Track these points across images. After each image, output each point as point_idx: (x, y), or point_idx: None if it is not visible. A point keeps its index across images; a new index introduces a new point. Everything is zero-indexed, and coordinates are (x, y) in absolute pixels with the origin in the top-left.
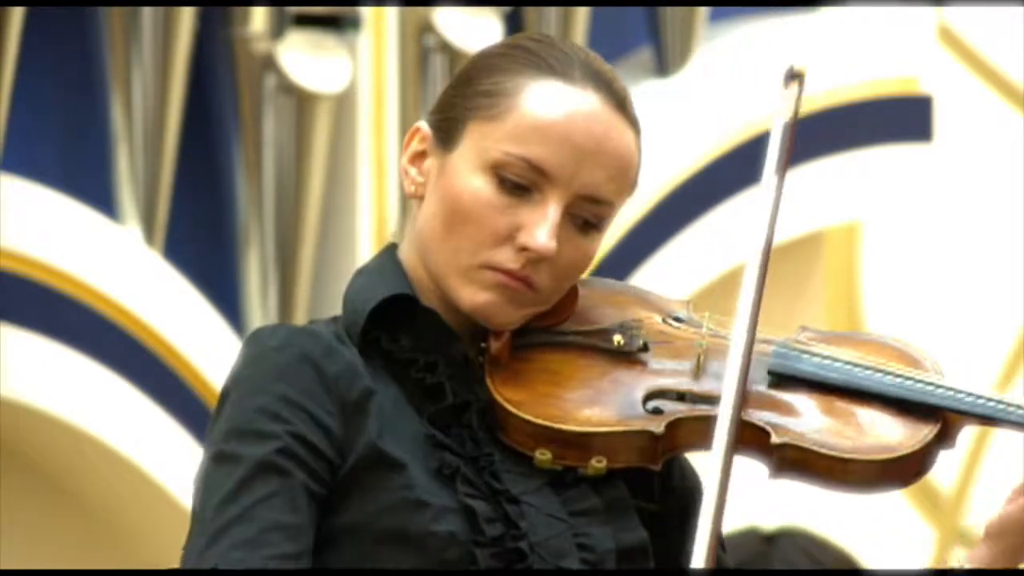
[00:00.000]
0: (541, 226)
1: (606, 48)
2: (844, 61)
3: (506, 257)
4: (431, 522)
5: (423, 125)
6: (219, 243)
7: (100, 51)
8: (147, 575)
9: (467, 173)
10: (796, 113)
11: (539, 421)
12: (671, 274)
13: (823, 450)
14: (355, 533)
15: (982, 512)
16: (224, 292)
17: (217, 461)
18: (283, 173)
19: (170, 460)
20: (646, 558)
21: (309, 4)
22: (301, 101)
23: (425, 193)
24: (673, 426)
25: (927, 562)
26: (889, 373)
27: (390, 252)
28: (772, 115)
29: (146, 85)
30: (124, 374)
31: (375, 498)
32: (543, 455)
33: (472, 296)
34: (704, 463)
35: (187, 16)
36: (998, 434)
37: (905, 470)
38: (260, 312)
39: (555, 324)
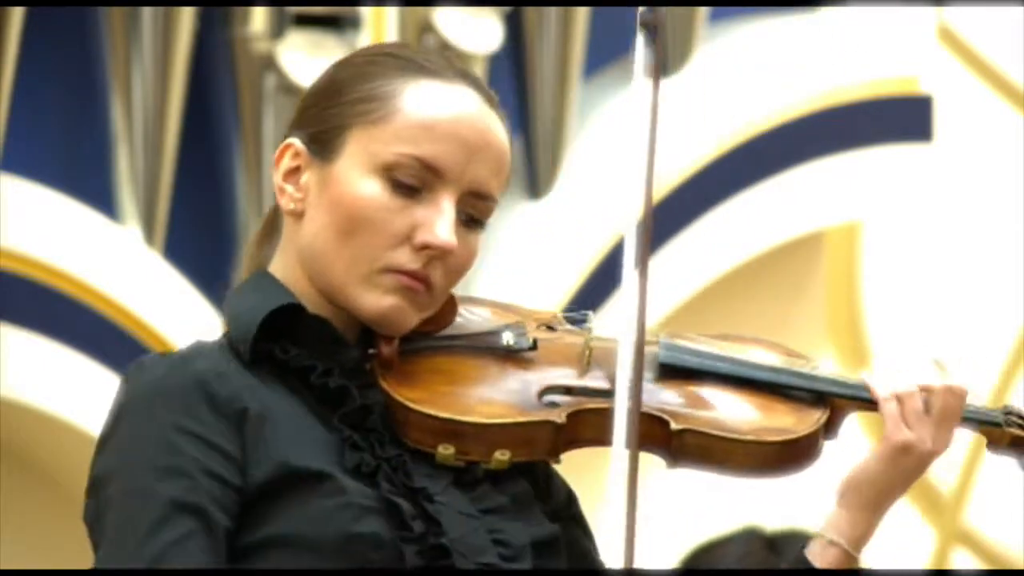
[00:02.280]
0: (439, 222)
1: (606, 48)
2: (844, 61)
3: (406, 258)
4: (353, 524)
5: (294, 141)
6: (219, 243)
7: (100, 51)
8: (145, 575)
9: (357, 179)
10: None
11: (442, 415)
12: (671, 274)
13: (722, 433)
14: (274, 548)
15: (982, 512)
16: (223, 292)
17: (128, 496)
18: None
19: None
20: (559, 550)
21: (309, 4)
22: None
23: (306, 208)
24: (574, 416)
25: (927, 562)
26: (771, 365)
27: (261, 273)
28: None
29: (146, 85)
30: (124, 374)
31: (290, 511)
32: (446, 450)
33: (377, 302)
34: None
35: (187, 16)
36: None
37: (799, 453)
38: None
39: (437, 330)
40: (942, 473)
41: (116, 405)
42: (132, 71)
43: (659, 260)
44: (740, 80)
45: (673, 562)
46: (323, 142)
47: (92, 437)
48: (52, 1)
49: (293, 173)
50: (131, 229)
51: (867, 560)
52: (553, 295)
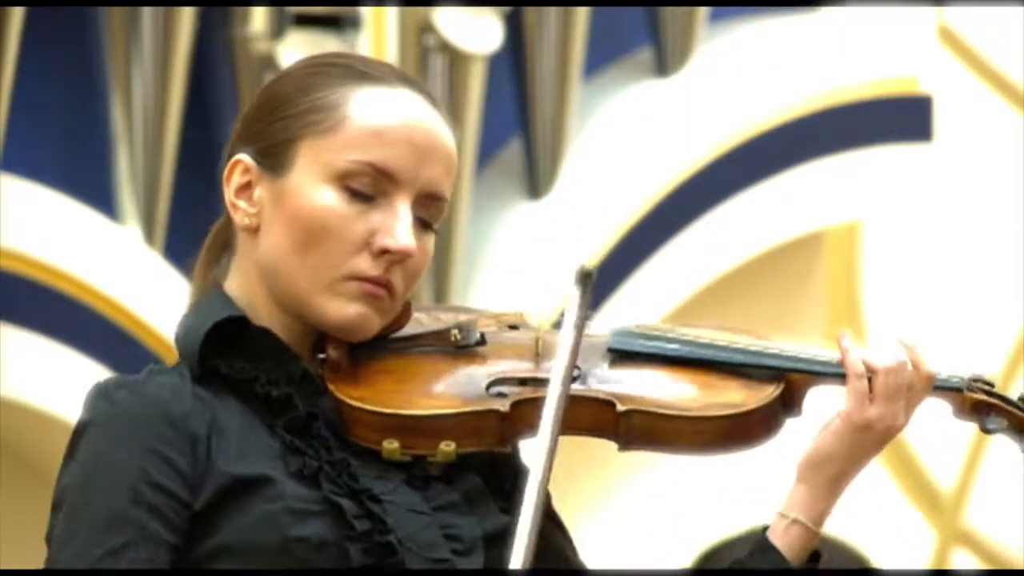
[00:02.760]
0: (398, 225)
1: (606, 48)
2: (844, 61)
3: (367, 264)
4: (291, 527)
5: (243, 157)
6: None
7: (100, 51)
8: (147, 574)
9: (311, 190)
10: (584, 312)
11: (383, 410)
12: (671, 274)
13: (669, 411)
14: (223, 557)
15: (982, 512)
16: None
17: (71, 512)
18: None
19: None
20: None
21: (309, 4)
22: None
23: (261, 223)
24: (519, 405)
25: (927, 562)
26: (726, 343)
27: (215, 291)
28: (564, 314)
29: (146, 85)
30: (124, 374)
31: (235, 520)
32: (390, 445)
33: (342, 310)
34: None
35: (187, 16)
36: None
37: (751, 428)
38: None
39: (390, 332)
40: (942, 473)
41: (78, 425)
42: (132, 71)
43: (660, 259)
44: (740, 80)
45: (683, 564)
46: (273, 156)
47: None
48: (52, 1)
49: (245, 189)
50: (131, 229)
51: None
52: (553, 295)
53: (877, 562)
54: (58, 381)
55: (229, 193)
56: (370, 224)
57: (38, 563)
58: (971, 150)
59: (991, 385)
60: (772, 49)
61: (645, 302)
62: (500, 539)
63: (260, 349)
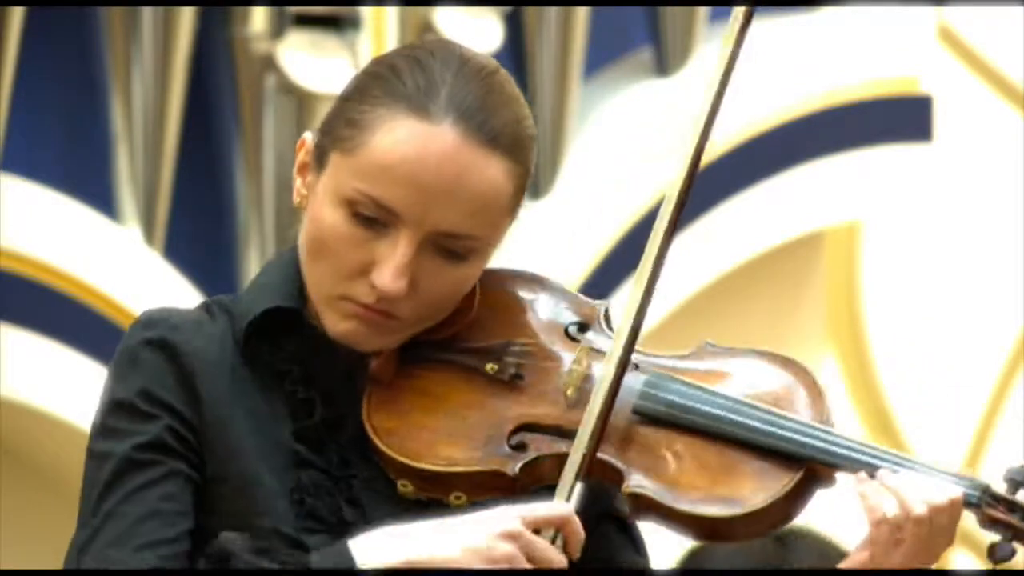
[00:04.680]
0: (388, 267)
1: (606, 48)
2: (844, 61)
3: (361, 291)
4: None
5: (309, 137)
6: (219, 243)
7: (100, 51)
8: (147, 574)
9: (327, 204)
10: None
11: (399, 458)
12: (671, 274)
13: (674, 505)
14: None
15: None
16: (224, 292)
17: (89, 459)
18: (283, 173)
19: None
20: None
21: (309, 4)
22: (301, 101)
23: (306, 206)
24: (530, 466)
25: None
26: (758, 414)
27: (289, 256)
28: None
29: (146, 85)
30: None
31: (222, 514)
32: (405, 487)
33: (334, 324)
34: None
35: (187, 16)
36: (998, 436)
37: (762, 521)
38: None
39: (449, 335)
40: None
41: (116, 355)
42: (132, 71)
43: None
44: (740, 80)
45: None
46: (318, 155)
47: None
48: (52, 1)
49: (304, 168)
50: (131, 229)
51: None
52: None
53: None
54: (58, 381)
55: (295, 166)
56: (372, 253)
57: (38, 563)
58: (971, 150)
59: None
60: (772, 49)
61: None
62: None
63: (308, 342)
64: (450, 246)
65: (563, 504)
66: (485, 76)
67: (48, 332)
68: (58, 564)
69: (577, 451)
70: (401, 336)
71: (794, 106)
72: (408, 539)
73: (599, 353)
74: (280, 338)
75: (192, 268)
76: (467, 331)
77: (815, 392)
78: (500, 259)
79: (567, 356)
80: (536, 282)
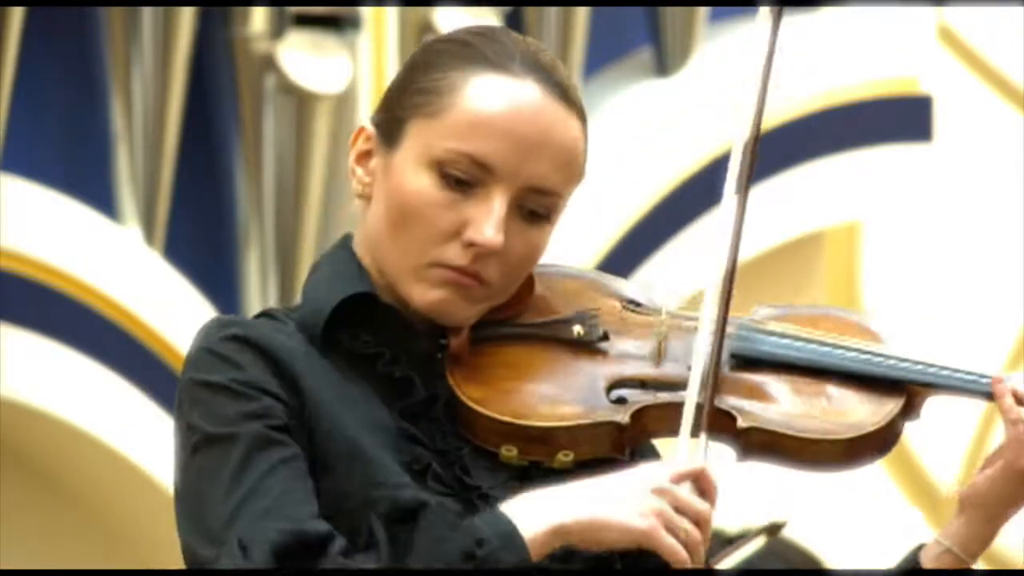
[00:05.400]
0: (487, 221)
1: (606, 48)
2: (844, 61)
3: (454, 254)
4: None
5: (367, 125)
6: (219, 243)
7: (100, 51)
8: (148, 575)
9: (411, 172)
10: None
11: (503, 418)
12: (671, 273)
13: (790, 432)
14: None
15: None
16: (224, 292)
17: (210, 444)
18: (283, 173)
19: (169, 459)
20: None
21: (309, 4)
22: (301, 101)
23: (372, 193)
24: (638, 415)
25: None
26: (850, 348)
27: (346, 244)
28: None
29: (146, 85)
30: (124, 374)
31: (339, 493)
32: (509, 451)
33: (424, 294)
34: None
35: (187, 16)
36: (999, 432)
37: (872, 446)
38: None
39: (512, 316)
40: (942, 473)
41: (192, 362)
42: (132, 71)
43: (660, 259)
44: (740, 80)
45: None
46: (389, 130)
47: (92, 437)
48: (52, 1)
49: (365, 157)
50: (131, 229)
51: (867, 560)
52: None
53: (866, 562)
54: (58, 381)
55: (350, 158)
56: (462, 214)
57: (38, 563)
58: (971, 150)
59: None
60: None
61: None
62: None
63: (385, 325)
64: (536, 204)
65: (699, 453)
66: (540, 46)
67: (48, 332)
68: (58, 564)
69: (691, 399)
70: (482, 307)
71: (794, 106)
72: (562, 500)
73: (677, 317)
74: (357, 325)
75: (192, 268)
76: (531, 311)
77: (881, 330)
78: None
79: (641, 319)
80: (578, 271)
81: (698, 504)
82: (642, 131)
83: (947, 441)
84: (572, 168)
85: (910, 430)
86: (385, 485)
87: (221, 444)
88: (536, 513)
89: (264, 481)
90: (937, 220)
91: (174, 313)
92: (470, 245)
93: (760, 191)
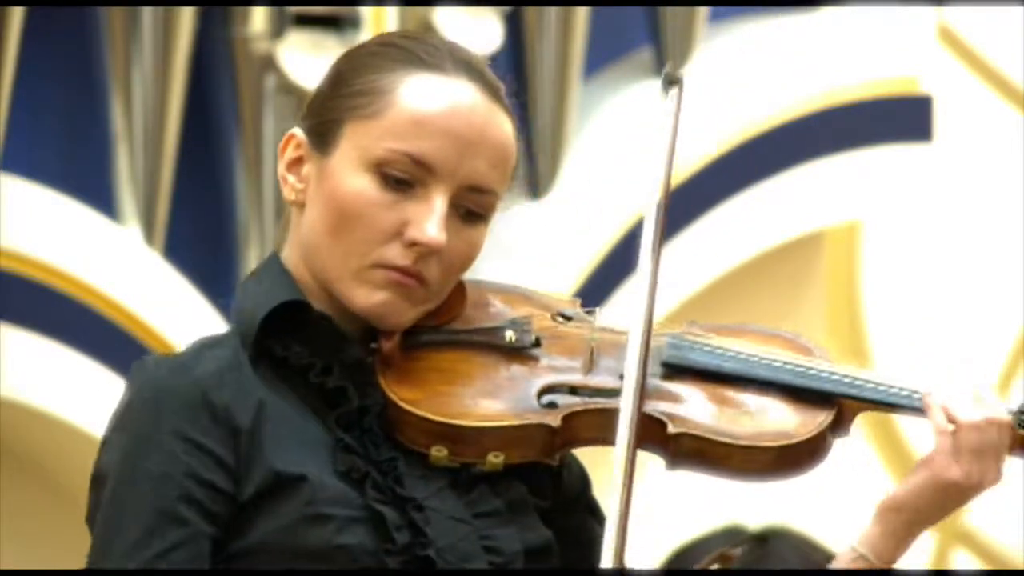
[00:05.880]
0: (429, 219)
1: (606, 48)
2: (844, 61)
3: (396, 254)
4: (336, 535)
5: (297, 131)
6: (219, 243)
7: (100, 51)
8: (148, 575)
9: (349, 173)
10: (676, 121)
11: (435, 418)
12: (672, 272)
13: (719, 438)
14: (262, 553)
15: (982, 512)
16: (224, 292)
17: (118, 503)
18: None
19: None
20: (551, 557)
21: (309, 4)
22: (301, 101)
23: (306, 199)
24: (570, 419)
25: (927, 562)
26: (782, 361)
27: (274, 260)
28: (655, 126)
29: (146, 85)
30: (124, 374)
31: (276, 519)
32: (439, 452)
33: (367, 297)
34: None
35: (187, 16)
36: None
37: (801, 457)
38: None
39: (444, 323)
40: None
41: (120, 405)
42: (132, 71)
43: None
44: (740, 80)
45: (655, 563)
46: (322, 134)
47: (92, 437)
48: (52, 1)
49: (296, 164)
50: (131, 229)
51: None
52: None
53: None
54: (58, 381)
55: (281, 166)
56: (403, 214)
57: (38, 563)
58: (971, 150)
59: None
60: (772, 49)
61: None
62: (539, 554)
63: (317, 334)
64: (473, 203)
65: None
66: (467, 48)
67: (48, 332)
68: (58, 564)
69: (626, 403)
70: (420, 311)
71: (794, 106)
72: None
73: (606, 329)
74: (287, 335)
75: (192, 268)
76: (462, 319)
77: (812, 345)
78: (500, 259)
79: (572, 330)
80: (508, 285)
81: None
82: (642, 131)
83: None
84: (507, 166)
85: (911, 431)
86: (322, 501)
87: (129, 504)
88: None
89: (158, 562)
90: (937, 220)
91: (174, 313)
92: (412, 244)
93: (760, 191)
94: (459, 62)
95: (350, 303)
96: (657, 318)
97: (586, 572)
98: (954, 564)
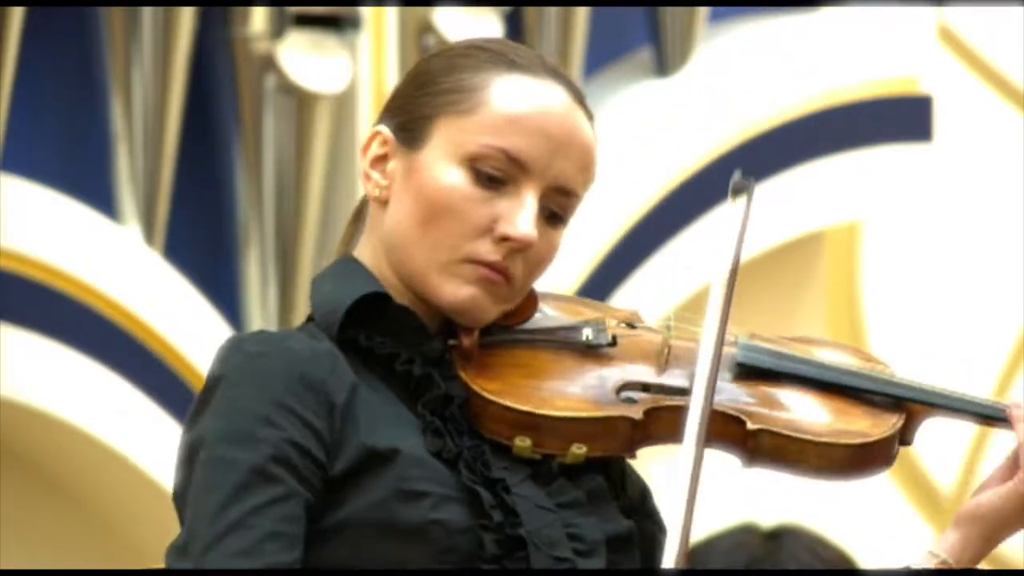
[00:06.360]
0: (521, 215)
1: (606, 48)
2: (844, 61)
3: (487, 249)
4: (431, 510)
5: (383, 128)
6: (219, 243)
7: (100, 51)
8: (147, 575)
9: (441, 168)
10: (744, 225)
11: (520, 407)
12: (672, 272)
13: (797, 434)
14: (352, 529)
15: None
16: (224, 292)
17: (211, 464)
18: (283, 173)
19: (169, 459)
20: (632, 546)
21: (309, 4)
22: (301, 101)
23: (391, 195)
24: (651, 413)
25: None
26: (851, 367)
27: (348, 260)
28: (723, 226)
29: (146, 85)
30: (124, 374)
31: (368, 494)
32: (523, 442)
33: (455, 291)
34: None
35: (187, 16)
36: (998, 434)
37: (874, 457)
38: (260, 312)
39: (518, 323)
40: (942, 473)
41: (211, 377)
42: (132, 71)
43: (660, 259)
44: (740, 80)
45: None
46: (411, 130)
47: (92, 437)
48: (52, 1)
49: (380, 160)
50: (131, 229)
51: (867, 560)
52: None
53: (866, 562)
54: (58, 381)
55: (364, 162)
56: (494, 210)
57: (39, 563)
58: (971, 150)
59: None
60: (772, 49)
61: (645, 302)
62: (621, 543)
63: (400, 327)
64: (557, 205)
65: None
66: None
67: (48, 332)
68: (58, 564)
69: (696, 398)
70: (501, 308)
71: (794, 106)
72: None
73: (680, 330)
74: (370, 326)
75: (192, 268)
76: (534, 321)
77: (875, 357)
78: None
79: (644, 332)
80: (574, 297)
81: None
82: (642, 131)
83: (947, 441)
84: (591, 170)
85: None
86: (412, 480)
87: (222, 465)
88: None
89: (251, 518)
90: (937, 220)
91: (174, 313)
92: (504, 240)
93: (760, 191)
94: (547, 65)
95: (436, 296)
96: (650, 322)
97: (647, 572)
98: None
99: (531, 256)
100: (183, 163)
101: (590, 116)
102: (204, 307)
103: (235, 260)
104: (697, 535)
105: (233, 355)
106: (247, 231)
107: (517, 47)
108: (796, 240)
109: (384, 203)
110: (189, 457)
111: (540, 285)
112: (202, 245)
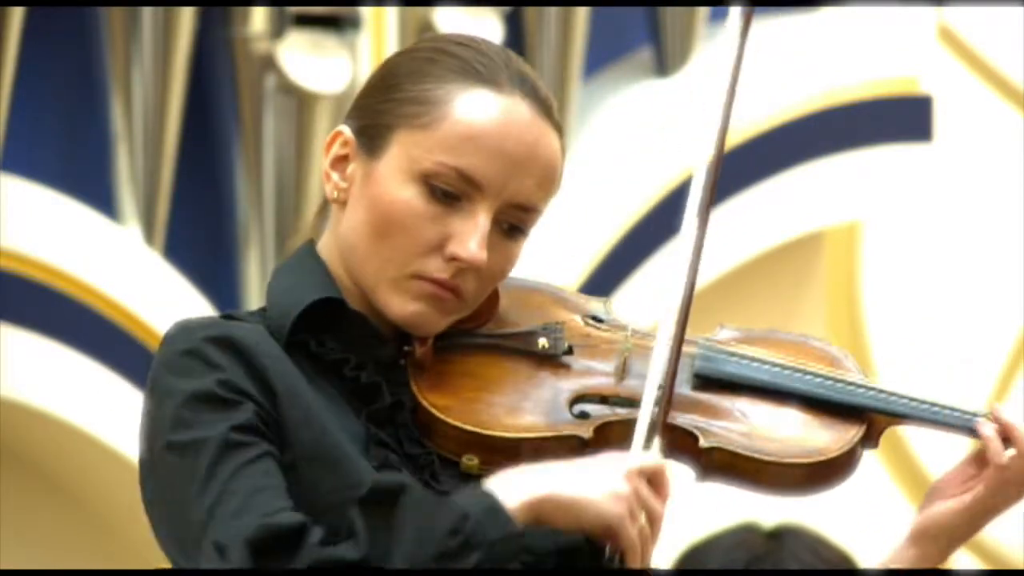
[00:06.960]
0: (472, 236)
1: (606, 48)
2: (844, 61)
3: (436, 267)
4: None
5: (345, 129)
6: (219, 243)
7: (100, 51)
8: (147, 575)
9: (396, 182)
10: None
11: (467, 427)
12: (669, 274)
13: (751, 454)
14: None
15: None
16: (224, 292)
17: (175, 452)
18: (283, 173)
19: None
20: (583, 557)
21: (309, 4)
22: (301, 101)
23: (349, 198)
24: (601, 430)
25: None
26: (813, 374)
27: (309, 250)
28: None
29: (146, 85)
30: (124, 374)
31: (317, 494)
32: (470, 460)
33: (403, 306)
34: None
35: (187, 16)
36: None
37: (832, 472)
38: None
39: (476, 326)
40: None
41: (162, 363)
42: (132, 71)
43: (659, 260)
44: (740, 80)
45: (668, 562)
46: (370, 136)
47: (91, 437)
48: (52, 1)
49: (341, 161)
50: (131, 229)
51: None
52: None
53: (866, 562)
54: (58, 381)
55: (325, 162)
56: (446, 228)
57: (39, 563)
58: (971, 150)
59: None
60: (772, 49)
61: (645, 302)
62: (573, 553)
63: (352, 332)
64: (516, 219)
65: (657, 457)
66: (520, 58)
67: (48, 332)
68: (58, 564)
69: (646, 411)
70: (452, 319)
71: (794, 106)
72: (541, 476)
73: (640, 334)
74: (322, 331)
75: (192, 268)
76: (495, 322)
77: (842, 355)
78: None
79: (604, 336)
80: (541, 285)
81: (653, 502)
82: (642, 131)
83: (947, 441)
84: (552, 184)
85: (910, 431)
86: (363, 485)
87: (189, 451)
88: (515, 488)
89: (232, 483)
90: (937, 220)
91: (174, 313)
92: (453, 259)
93: (760, 191)
94: (514, 76)
95: (385, 309)
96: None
97: (614, 572)
98: (954, 564)
99: (484, 272)
100: (183, 163)
101: (558, 127)
102: (204, 307)
103: (235, 260)
104: (697, 535)
105: (181, 341)
106: (247, 231)
107: (485, 52)
108: (796, 240)
109: (342, 204)
110: (149, 455)
111: (530, 275)
112: (202, 245)
